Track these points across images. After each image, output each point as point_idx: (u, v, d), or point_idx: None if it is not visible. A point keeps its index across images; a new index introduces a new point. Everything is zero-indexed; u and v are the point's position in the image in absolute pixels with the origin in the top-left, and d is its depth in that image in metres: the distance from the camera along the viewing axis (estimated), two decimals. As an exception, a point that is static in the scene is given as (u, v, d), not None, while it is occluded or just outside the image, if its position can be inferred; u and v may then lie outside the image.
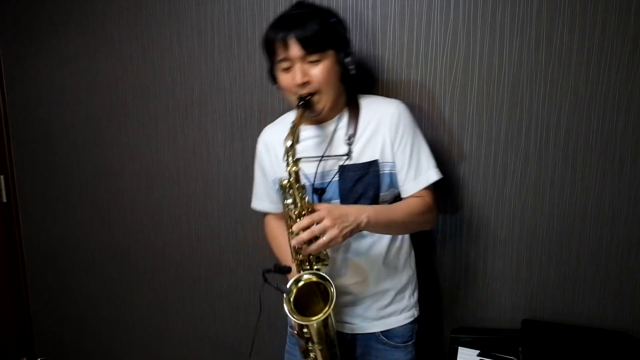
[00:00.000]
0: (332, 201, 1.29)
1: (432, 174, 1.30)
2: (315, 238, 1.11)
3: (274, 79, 1.30)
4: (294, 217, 1.18)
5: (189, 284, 2.01)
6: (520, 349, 1.38)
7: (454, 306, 1.60)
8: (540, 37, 1.37)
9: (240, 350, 1.98)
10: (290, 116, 1.34)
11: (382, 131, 1.28)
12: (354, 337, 1.39)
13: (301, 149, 1.23)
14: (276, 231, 1.47)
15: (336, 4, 1.54)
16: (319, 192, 1.30)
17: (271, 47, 1.24)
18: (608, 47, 1.32)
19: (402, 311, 1.38)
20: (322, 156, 1.29)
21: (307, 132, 1.32)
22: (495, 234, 1.52)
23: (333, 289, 1.17)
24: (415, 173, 1.29)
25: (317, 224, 1.10)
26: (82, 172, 2.11)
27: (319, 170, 1.29)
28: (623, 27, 1.30)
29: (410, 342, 1.40)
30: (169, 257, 2.03)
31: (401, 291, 1.38)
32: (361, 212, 1.16)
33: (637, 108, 1.34)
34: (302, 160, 1.22)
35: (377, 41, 1.51)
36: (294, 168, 1.16)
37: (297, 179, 1.17)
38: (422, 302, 1.44)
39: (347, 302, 1.37)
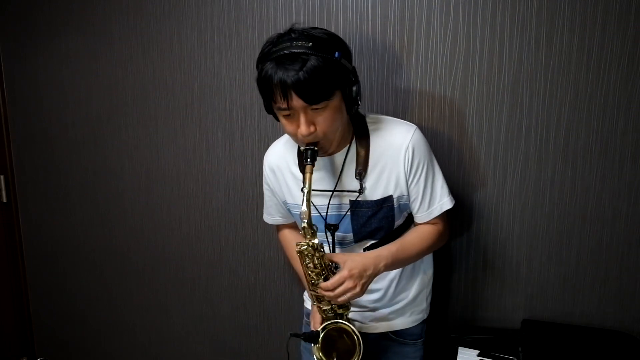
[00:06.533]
0: (346, 234, 1.28)
1: (445, 203, 1.27)
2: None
3: (272, 114, 1.18)
4: (313, 277, 1.19)
5: (189, 284, 2.01)
6: (520, 349, 1.38)
7: (454, 306, 1.60)
8: (540, 37, 1.37)
9: (240, 350, 1.98)
10: None
11: (396, 167, 1.22)
12: (363, 334, 1.39)
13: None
14: (293, 244, 1.41)
15: (336, 4, 1.54)
16: (332, 228, 1.27)
17: (268, 92, 1.09)
18: (608, 47, 1.32)
19: (412, 313, 1.39)
20: (333, 190, 1.25)
21: (317, 163, 1.22)
22: (495, 234, 1.52)
23: (361, 344, 1.21)
24: (429, 203, 1.26)
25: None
26: (82, 172, 2.11)
27: (331, 202, 1.26)
28: (623, 28, 1.30)
29: (419, 340, 1.42)
30: (169, 257, 2.02)
31: (415, 297, 1.39)
32: (379, 261, 1.18)
33: (637, 108, 1.34)
34: (312, 191, 1.21)
35: (377, 41, 1.51)
36: (313, 241, 1.15)
37: (317, 247, 1.16)
38: (422, 302, 1.44)
39: (361, 309, 1.37)
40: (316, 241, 1.15)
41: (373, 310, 1.37)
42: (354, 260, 1.16)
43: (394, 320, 1.38)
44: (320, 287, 1.16)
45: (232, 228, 1.88)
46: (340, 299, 1.15)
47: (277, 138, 1.72)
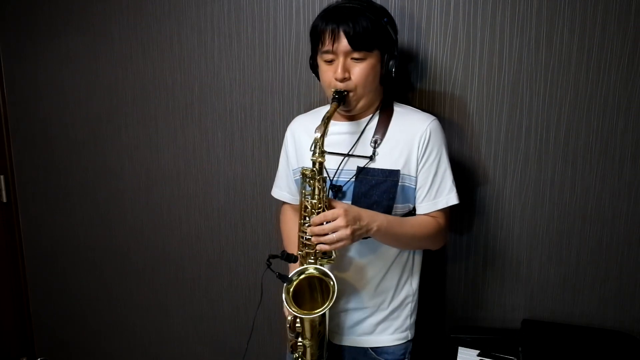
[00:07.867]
0: (344, 201, 1.28)
1: (451, 198, 1.28)
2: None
3: (314, 67, 1.30)
4: (309, 207, 1.19)
5: (189, 284, 2.01)
6: (520, 349, 1.38)
7: (454, 306, 1.60)
8: (540, 37, 1.37)
9: (240, 350, 1.98)
10: (324, 110, 1.34)
11: (411, 144, 1.26)
12: (343, 347, 1.38)
13: (328, 143, 1.24)
14: (290, 224, 1.46)
15: (336, 4, 1.54)
16: (335, 189, 1.29)
17: (318, 37, 1.22)
18: (608, 47, 1.32)
19: (395, 330, 1.36)
20: (347, 154, 1.29)
21: (338, 127, 1.32)
22: (495, 233, 1.52)
23: (334, 284, 1.17)
24: (436, 194, 1.28)
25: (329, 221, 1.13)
26: (82, 172, 2.11)
27: (341, 167, 1.29)
28: (623, 28, 1.30)
29: None
30: (169, 257, 2.03)
31: (398, 309, 1.36)
32: (374, 219, 1.18)
33: (637, 108, 1.34)
34: (326, 153, 1.22)
35: (377, 41, 1.51)
36: (320, 159, 1.16)
37: (321, 171, 1.17)
38: (422, 301, 1.44)
39: (340, 310, 1.35)
40: (324, 161, 1.17)
41: (350, 309, 1.34)
42: (351, 205, 1.20)
43: (375, 335, 1.35)
44: (313, 221, 1.14)
45: (232, 228, 1.88)
46: (328, 237, 1.12)
47: (277, 138, 1.73)
